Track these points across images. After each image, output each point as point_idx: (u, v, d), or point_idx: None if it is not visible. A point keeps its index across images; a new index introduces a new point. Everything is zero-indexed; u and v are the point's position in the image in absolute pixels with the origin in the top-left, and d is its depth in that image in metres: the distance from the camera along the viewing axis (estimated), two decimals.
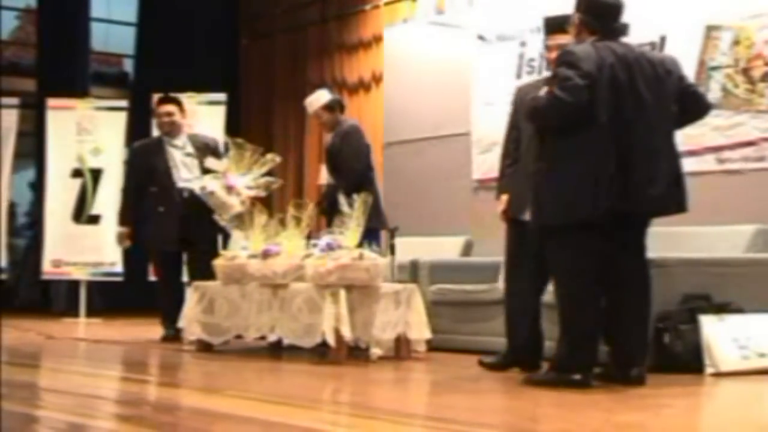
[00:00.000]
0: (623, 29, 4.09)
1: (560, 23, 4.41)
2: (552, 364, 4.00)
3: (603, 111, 3.86)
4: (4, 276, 8.92)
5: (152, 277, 8.30)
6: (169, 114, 6.48)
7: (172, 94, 6.72)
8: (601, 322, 3.97)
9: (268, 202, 6.36)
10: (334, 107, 6.04)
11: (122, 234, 6.51)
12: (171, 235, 6.27)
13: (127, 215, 6.50)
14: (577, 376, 3.86)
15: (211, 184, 6.05)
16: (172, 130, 6.48)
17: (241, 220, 5.75)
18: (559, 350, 3.97)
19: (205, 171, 6.28)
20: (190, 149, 6.49)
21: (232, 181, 6.03)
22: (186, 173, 6.39)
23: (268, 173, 6.20)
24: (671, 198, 4.02)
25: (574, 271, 3.91)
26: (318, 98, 6.08)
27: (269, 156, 6.12)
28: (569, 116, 3.87)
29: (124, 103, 9.36)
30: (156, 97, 6.72)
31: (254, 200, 6.04)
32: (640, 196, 3.92)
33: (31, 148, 9.96)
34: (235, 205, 6.00)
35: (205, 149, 6.48)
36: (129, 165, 6.73)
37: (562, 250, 3.96)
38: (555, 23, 4.50)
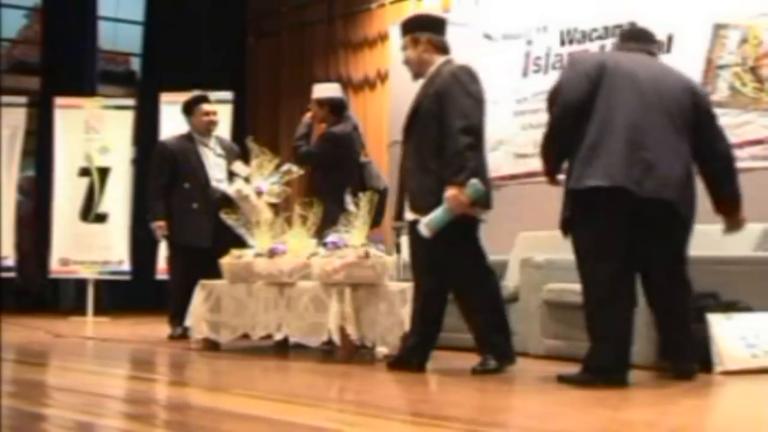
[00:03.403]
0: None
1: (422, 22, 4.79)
2: (584, 364, 3.97)
3: (599, 101, 3.95)
4: (12, 274, 8.94)
5: (160, 276, 8.33)
6: (215, 113, 6.64)
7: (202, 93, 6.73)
8: (631, 320, 3.95)
9: None
10: (323, 106, 5.93)
11: (160, 227, 6.48)
12: (206, 232, 6.31)
13: (159, 210, 6.49)
14: (613, 375, 3.85)
15: (246, 188, 6.09)
16: (211, 129, 6.60)
17: (248, 219, 5.75)
18: (590, 351, 3.96)
19: (230, 174, 6.36)
20: (219, 150, 6.62)
21: (260, 186, 6.06)
22: (218, 173, 6.50)
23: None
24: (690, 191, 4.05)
25: (597, 274, 3.91)
26: (319, 90, 6.02)
27: (287, 167, 6.11)
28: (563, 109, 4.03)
29: (131, 101, 9.38)
30: (194, 95, 6.67)
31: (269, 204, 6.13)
32: (659, 180, 3.90)
33: (35, 147, 9.96)
34: (265, 209, 6.02)
35: (230, 152, 6.64)
36: (159, 160, 6.59)
37: (584, 250, 3.96)
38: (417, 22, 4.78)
